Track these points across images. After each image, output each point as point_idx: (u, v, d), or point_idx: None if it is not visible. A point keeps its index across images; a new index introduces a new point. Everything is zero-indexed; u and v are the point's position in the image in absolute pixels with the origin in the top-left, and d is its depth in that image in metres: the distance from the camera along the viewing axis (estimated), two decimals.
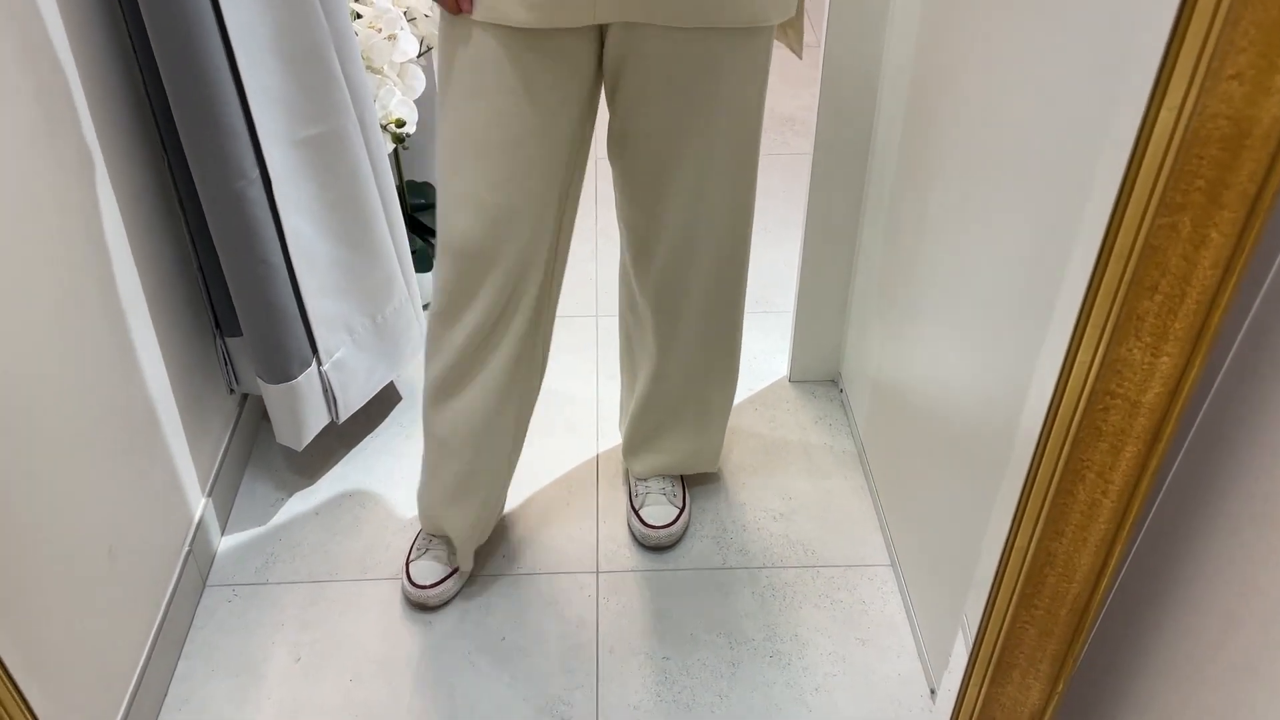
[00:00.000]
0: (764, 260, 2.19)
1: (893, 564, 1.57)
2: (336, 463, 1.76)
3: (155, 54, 1.28)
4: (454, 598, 1.53)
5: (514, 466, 1.52)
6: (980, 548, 1.05)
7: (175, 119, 1.33)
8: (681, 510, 1.62)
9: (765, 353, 1.98)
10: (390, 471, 1.74)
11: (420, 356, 1.85)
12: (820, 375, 1.91)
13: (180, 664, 1.45)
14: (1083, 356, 0.66)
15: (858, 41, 1.52)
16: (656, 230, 1.34)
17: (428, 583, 1.51)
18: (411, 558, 1.54)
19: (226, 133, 1.34)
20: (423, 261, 1.96)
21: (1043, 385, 0.73)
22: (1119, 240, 0.61)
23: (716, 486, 1.71)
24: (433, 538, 1.54)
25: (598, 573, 1.57)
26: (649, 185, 1.29)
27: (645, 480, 1.64)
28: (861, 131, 1.61)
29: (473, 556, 1.54)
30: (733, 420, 1.81)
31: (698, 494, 1.69)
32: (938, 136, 1.31)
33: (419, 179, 2.07)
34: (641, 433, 1.60)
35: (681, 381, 1.52)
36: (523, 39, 1.12)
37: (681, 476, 1.67)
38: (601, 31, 1.17)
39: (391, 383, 1.89)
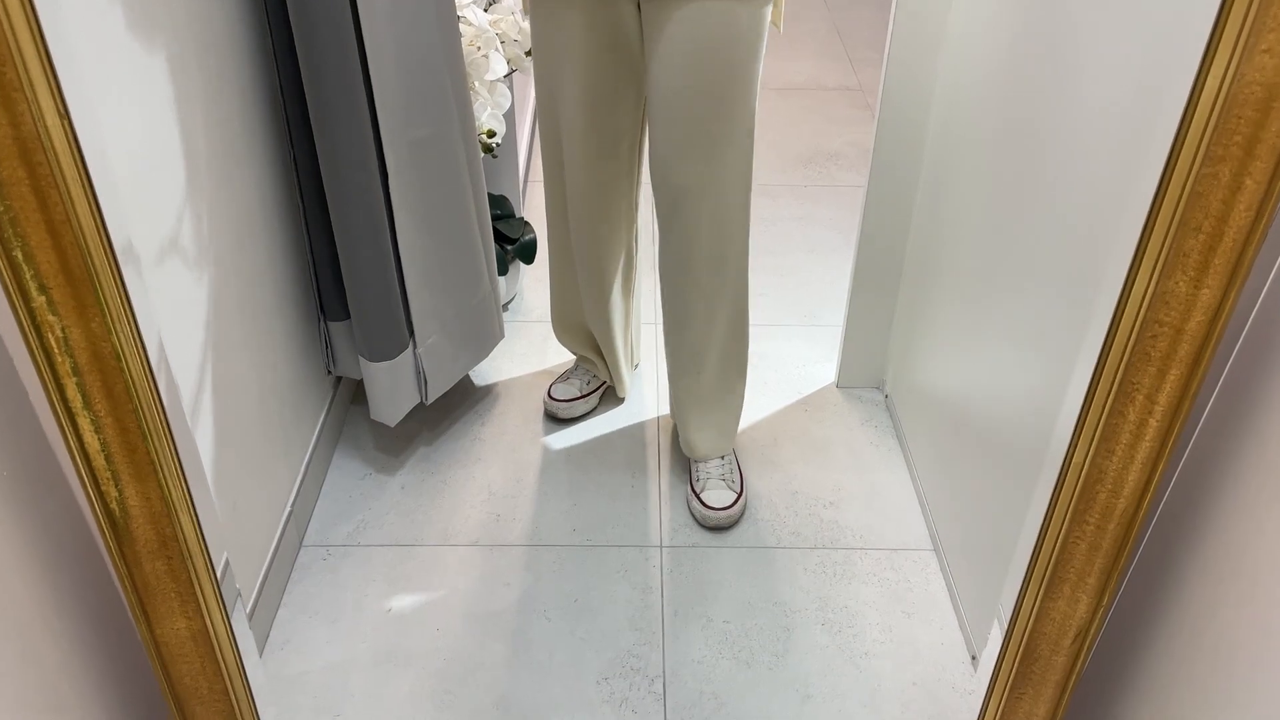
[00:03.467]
0: (813, 278, 2.35)
1: (935, 549, 1.70)
2: (418, 445, 1.90)
3: (299, 56, 1.45)
4: (582, 416, 1.97)
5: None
6: (1023, 521, 1.18)
7: (311, 115, 1.50)
8: (739, 494, 1.76)
9: (814, 360, 2.12)
10: (468, 453, 1.88)
11: (493, 353, 2.01)
12: (866, 382, 2.05)
13: (280, 611, 1.58)
14: (1137, 289, 0.81)
15: (912, 80, 1.69)
16: (675, 195, 1.56)
17: (563, 398, 1.95)
18: (556, 380, 2.00)
19: (357, 130, 1.51)
20: (500, 265, 2.11)
21: (1099, 324, 0.87)
22: (1170, 186, 0.76)
23: (770, 477, 1.84)
24: (576, 367, 2.00)
25: (661, 547, 1.71)
26: (666, 141, 1.51)
27: (706, 463, 1.78)
28: (912, 160, 1.77)
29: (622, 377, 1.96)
30: (783, 420, 1.96)
31: (753, 483, 1.82)
32: (980, 144, 1.47)
33: (495, 192, 2.23)
34: (681, 405, 1.79)
35: (702, 353, 1.70)
36: (579, 4, 1.44)
37: (738, 463, 1.81)
38: (638, 8, 1.44)
39: (467, 375, 2.04)
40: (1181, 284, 0.79)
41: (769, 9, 1.44)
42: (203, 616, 1.00)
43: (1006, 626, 1.08)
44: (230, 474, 1.43)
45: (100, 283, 0.80)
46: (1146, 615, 1.05)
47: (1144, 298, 0.81)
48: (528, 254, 2.18)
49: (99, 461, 0.87)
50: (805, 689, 1.48)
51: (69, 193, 0.76)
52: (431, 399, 1.80)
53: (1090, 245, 1.11)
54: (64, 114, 0.74)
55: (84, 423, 0.85)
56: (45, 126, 0.73)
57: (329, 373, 1.84)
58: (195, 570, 0.96)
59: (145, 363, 0.84)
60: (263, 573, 1.54)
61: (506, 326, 2.19)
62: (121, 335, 0.81)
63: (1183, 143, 0.74)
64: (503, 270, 2.13)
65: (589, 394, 1.97)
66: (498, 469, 1.85)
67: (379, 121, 1.52)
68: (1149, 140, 0.80)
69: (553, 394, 1.97)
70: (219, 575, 0.99)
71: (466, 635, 1.55)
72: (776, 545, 1.71)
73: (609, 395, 2.01)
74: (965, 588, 1.57)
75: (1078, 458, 0.90)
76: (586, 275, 1.78)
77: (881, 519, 1.76)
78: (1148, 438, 0.87)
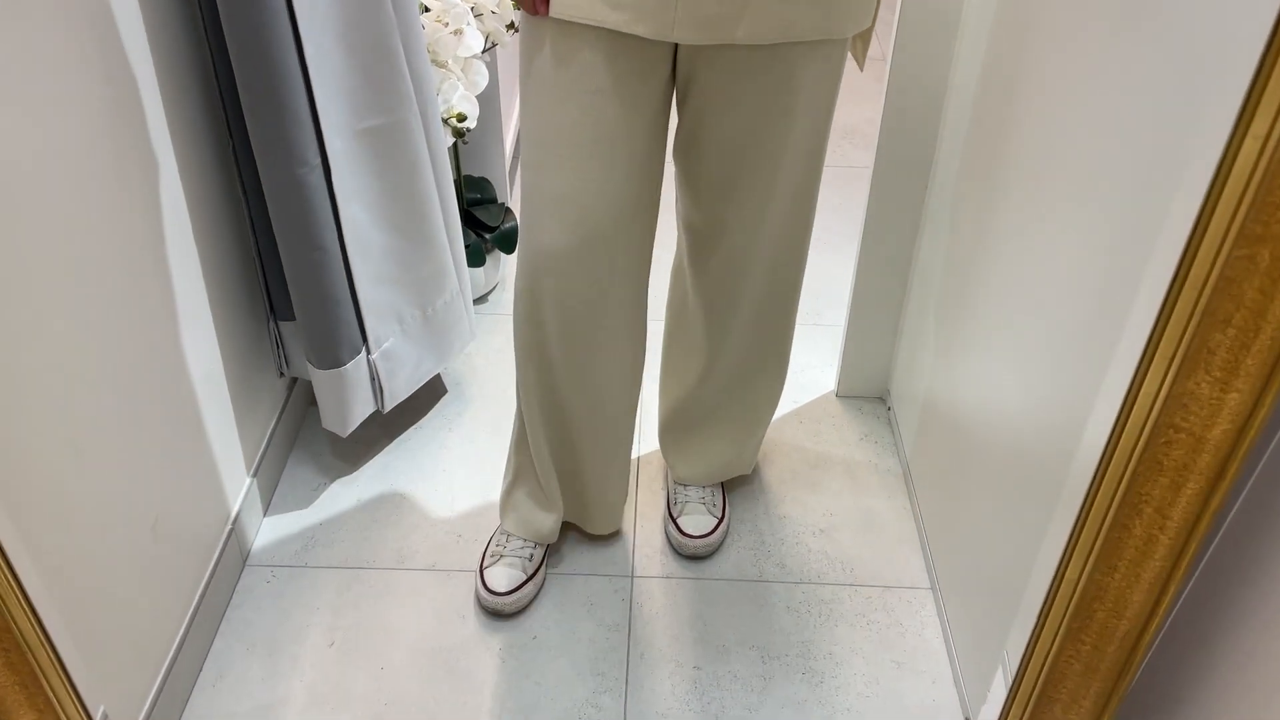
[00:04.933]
0: (816, 274, 2.15)
1: (933, 587, 1.55)
2: (379, 452, 1.77)
3: (226, 39, 1.30)
4: (530, 604, 1.51)
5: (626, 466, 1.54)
6: (1027, 577, 1.03)
7: (242, 104, 1.35)
8: (720, 520, 1.61)
9: (813, 366, 1.96)
10: (433, 463, 1.75)
11: (468, 350, 1.86)
12: (868, 392, 1.89)
13: (216, 641, 1.47)
14: (1148, 388, 0.65)
15: (925, 56, 1.51)
16: (717, 232, 1.33)
17: (506, 589, 1.48)
18: (486, 564, 1.52)
19: (290, 119, 1.35)
20: (475, 256, 1.97)
21: (1103, 414, 0.71)
22: (1193, 270, 0.59)
23: (757, 498, 1.69)
24: (508, 540, 1.53)
25: (632, 577, 1.57)
26: (713, 189, 1.29)
27: (685, 487, 1.63)
28: (924, 147, 1.59)
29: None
30: (776, 433, 1.80)
31: (737, 504, 1.68)
32: (1004, 156, 1.29)
33: (476, 174, 2.07)
34: (683, 429, 1.60)
35: (729, 383, 1.51)
36: (603, 38, 1.12)
37: (722, 485, 1.65)
38: (675, 47, 1.17)
39: (438, 376, 1.90)
40: (1204, 385, 0.63)
41: (847, 49, 1.20)
42: (55, 710, 0.87)
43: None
44: (158, 487, 1.30)
45: None
46: None
47: (1156, 398, 0.64)
48: (508, 243, 2.02)
49: None
50: None
51: None
52: (389, 407, 1.66)
53: (1126, 264, 0.93)
54: None
55: None
56: None
57: (281, 375, 1.71)
58: (38, 664, 0.83)
59: None
60: (197, 596, 1.43)
61: (485, 320, 2.04)
62: None
63: (1210, 218, 0.57)
64: (480, 261, 1.98)
65: (536, 572, 1.52)
66: (463, 481, 1.72)
67: (317, 111, 1.37)
68: (1170, 199, 0.63)
69: (489, 584, 1.48)
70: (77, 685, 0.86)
71: (412, 675, 1.43)
72: (758, 578, 1.57)
73: None
74: (963, 635, 1.42)
75: (1071, 573, 0.75)
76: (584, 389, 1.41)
77: (875, 552, 1.61)
78: (1157, 556, 0.71)
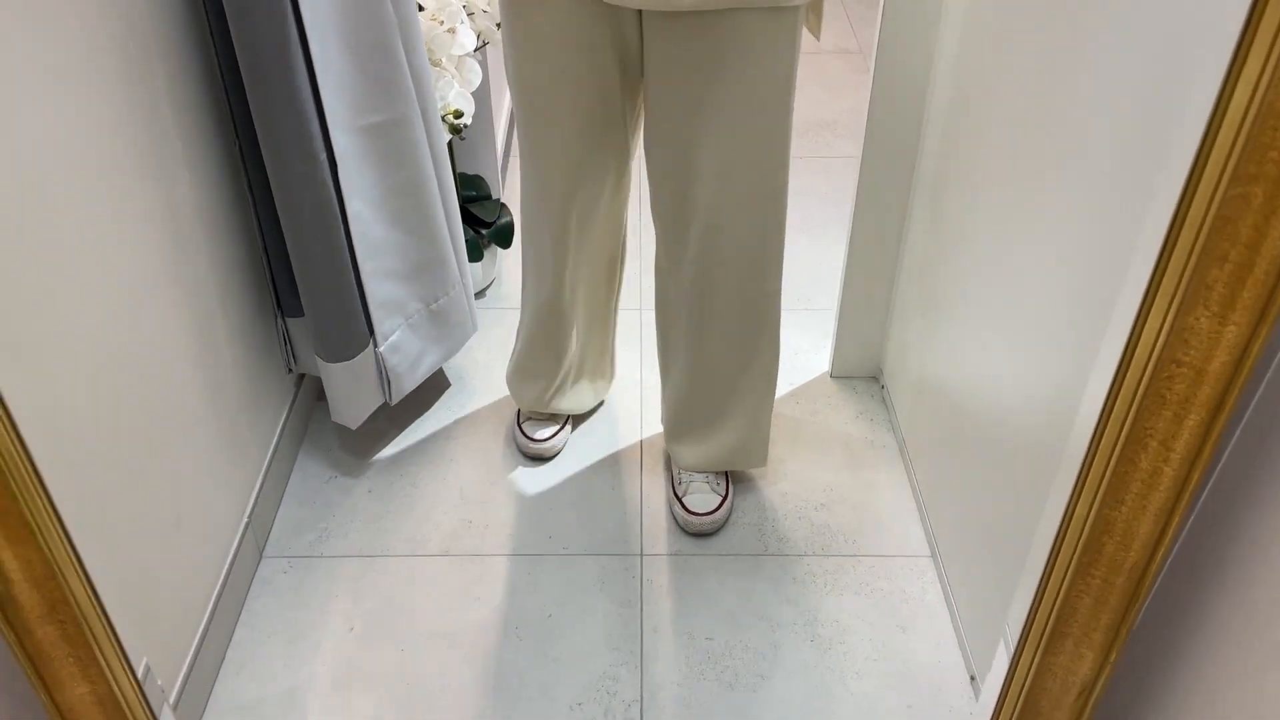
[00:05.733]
0: (806, 259, 2.23)
1: (933, 555, 1.59)
2: (388, 444, 1.80)
3: (233, 39, 1.33)
4: (565, 446, 1.77)
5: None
6: (1028, 530, 1.08)
7: (249, 101, 1.38)
8: (724, 498, 1.65)
9: (807, 349, 2.01)
10: (440, 453, 1.78)
11: (469, 343, 1.90)
12: (862, 371, 1.94)
13: (237, 630, 1.49)
14: (1151, 324, 0.69)
15: (909, 41, 1.55)
16: (685, 222, 1.38)
17: (544, 436, 1.74)
18: (522, 419, 1.78)
19: (298, 116, 1.39)
20: (473, 252, 2.00)
21: (1108, 357, 0.76)
22: (1191, 210, 0.64)
23: (758, 476, 1.74)
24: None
25: (641, 555, 1.61)
26: (677, 171, 1.34)
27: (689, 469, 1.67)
28: (910, 131, 1.64)
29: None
30: (775, 413, 1.84)
31: (739, 482, 1.72)
32: (989, 122, 1.34)
33: (470, 171, 2.11)
34: (682, 425, 1.64)
35: (718, 376, 1.55)
36: (561, 6, 1.24)
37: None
38: (640, 12, 1.24)
39: (441, 369, 1.93)
40: (1203, 319, 0.68)
41: (801, 19, 1.25)
42: (107, 680, 0.90)
43: (1005, 674, 0.98)
44: (178, 484, 1.33)
45: None
46: (1159, 671, 0.95)
47: (1159, 334, 0.69)
48: (504, 238, 2.06)
49: None
50: (792, 714, 1.39)
51: None
52: (396, 399, 1.69)
53: (1114, 229, 0.99)
54: None
55: None
56: None
57: (289, 371, 1.74)
58: (92, 633, 0.86)
59: (9, 422, 0.73)
60: (218, 589, 1.45)
61: (483, 314, 2.08)
62: None
63: (1206, 160, 0.62)
64: (478, 256, 2.01)
65: (565, 424, 1.79)
66: (470, 470, 1.75)
67: (323, 108, 1.40)
68: (1164, 148, 0.68)
69: (528, 432, 1.76)
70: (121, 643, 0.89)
71: (431, 656, 1.46)
72: (763, 552, 1.61)
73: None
74: (964, 599, 1.47)
75: (1080, 509, 0.79)
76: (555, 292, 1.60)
77: (875, 523, 1.66)
78: (1162, 487, 0.76)
